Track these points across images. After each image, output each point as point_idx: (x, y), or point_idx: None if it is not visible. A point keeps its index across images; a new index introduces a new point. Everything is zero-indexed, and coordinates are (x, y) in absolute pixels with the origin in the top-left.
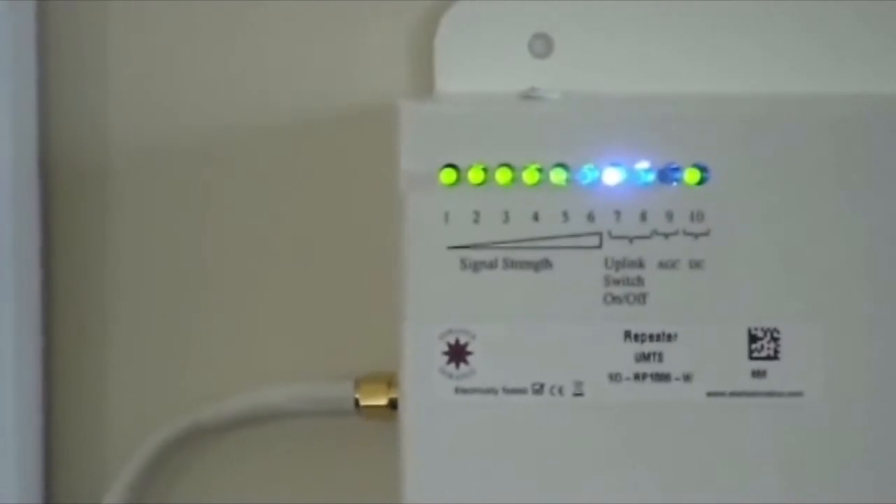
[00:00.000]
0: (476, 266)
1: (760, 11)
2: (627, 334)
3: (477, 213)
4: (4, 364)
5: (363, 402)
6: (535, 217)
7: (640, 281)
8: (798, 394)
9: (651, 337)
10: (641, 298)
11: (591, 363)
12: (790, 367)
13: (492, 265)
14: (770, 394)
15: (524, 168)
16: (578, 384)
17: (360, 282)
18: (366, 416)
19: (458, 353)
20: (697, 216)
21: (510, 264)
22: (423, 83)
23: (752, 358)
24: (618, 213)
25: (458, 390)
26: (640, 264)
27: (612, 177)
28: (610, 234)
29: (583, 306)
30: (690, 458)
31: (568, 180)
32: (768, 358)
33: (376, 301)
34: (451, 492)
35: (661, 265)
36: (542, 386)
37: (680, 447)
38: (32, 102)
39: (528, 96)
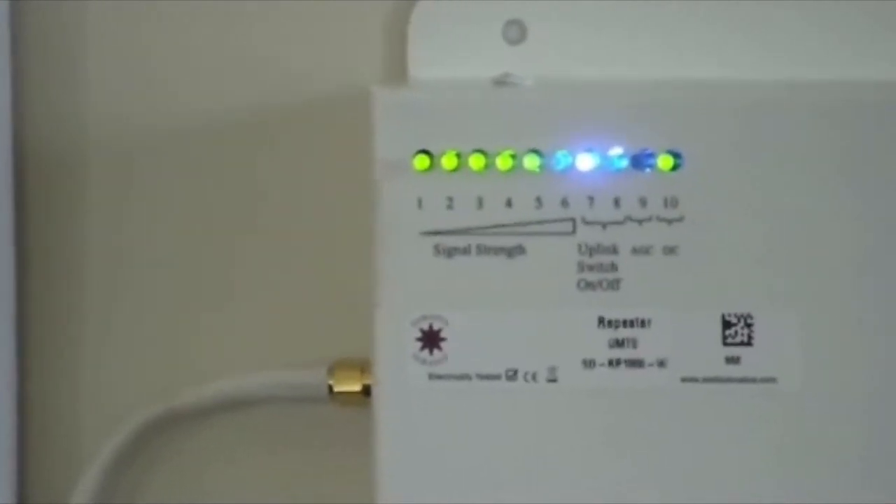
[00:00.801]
0: (449, 252)
1: None
2: (601, 320)
3: (450, 200)
4: None
5: (337, 389)
6: (509, 203)
7: (613, 267)
8: (771, 380)
9: (625, 323)
10: (615, 284)
11: (565, 349)
12: (764, 354)
13: (465, 251)
14: (744, 380)
15: (497, 154)
16: (552, 370)
17: (333, 268)
18: (340, 403)
19: (431, 339)
20: (671, 202)
21: (483, 250)
22: (397, 69)
23: (725, 344)
24: (591, 199)
25: (431, 376)
26: (614, 250)
27: (586, 163)
28: (583, 220)
29: (556, 292)
30: (664, 444)
31: (541, 166)
32: (742, 344)
33: (350, 287)
34: (425, 478)
35: (635, 251)
36: (515, 372)
37: (654, 433)
38: (6, 93)
39: (502, 82)
